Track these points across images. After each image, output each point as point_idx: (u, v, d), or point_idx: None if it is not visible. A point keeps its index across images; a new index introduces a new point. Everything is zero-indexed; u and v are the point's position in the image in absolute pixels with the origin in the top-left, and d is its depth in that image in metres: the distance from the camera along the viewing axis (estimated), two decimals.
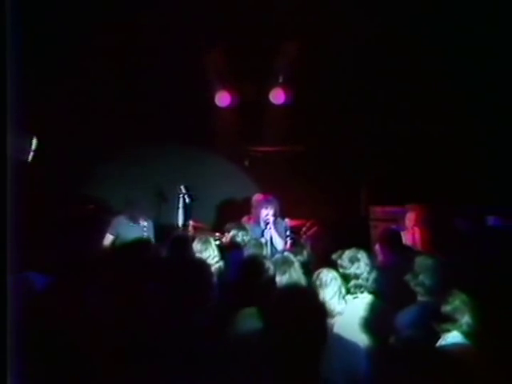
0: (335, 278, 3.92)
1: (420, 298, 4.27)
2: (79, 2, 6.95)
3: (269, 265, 4.12)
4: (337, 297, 3.86)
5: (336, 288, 3.88)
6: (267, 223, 6.71)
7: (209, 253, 5.16)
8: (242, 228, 6.07)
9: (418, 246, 6.84)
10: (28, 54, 3.68)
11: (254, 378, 2.68)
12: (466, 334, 3.48)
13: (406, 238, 6.88)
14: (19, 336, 2.53)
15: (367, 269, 4.22)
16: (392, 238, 5.89)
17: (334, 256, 4.31)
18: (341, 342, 3.54)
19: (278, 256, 4.67)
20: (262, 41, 7.80)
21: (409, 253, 5.20)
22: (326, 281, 3.89)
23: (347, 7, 7.09)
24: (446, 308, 3.53)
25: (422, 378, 3.02)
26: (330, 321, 3.74)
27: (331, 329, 3.66)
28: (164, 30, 7.56)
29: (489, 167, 7.48)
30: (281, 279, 4.11)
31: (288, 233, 6.89)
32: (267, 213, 6.73)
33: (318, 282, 3.94)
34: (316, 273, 4.06)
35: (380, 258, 5.73)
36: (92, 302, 3.52)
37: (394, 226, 6.96)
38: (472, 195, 7.33)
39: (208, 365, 3.10)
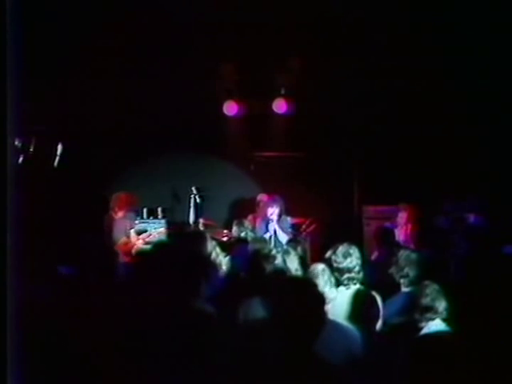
0: (323, 270, 3.88)
1: (404, 289, 4.31)
2: (79, 2, 6.57)
3: (272, 256, 4.10)
4: (328, 286, 3.83)
5: (326, 278, 3.84)
6: (272, 220, 6.77)
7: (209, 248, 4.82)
8: (241, 224, 6.14)
9: (410, 241, 6.82)
10: (28, 54, 3.42)
11: (258, 361, 2.64)
12: (447, 321, 3.51)
13: (399, 234, 6.93)
14: (19, 336, 2.41)
15: (359, 262, 4.19)
16: (384, 235, 6.05)
17: (328, 253, 4.25)
18: (336, 325, 3.54)
19: (278, 248, 4.65)
20: (267, 56, 7.71)
21: (398, 248, 5.09)
22: (316, 272, 3.84)
23: (345, 23, 7.00)
24: (426, 300, 3.57)
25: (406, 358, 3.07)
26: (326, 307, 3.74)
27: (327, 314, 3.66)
28: (178, 51, 7.43)
29: (472, 167, 7.51)
30: (279, 268, 4.09)
31: (289, 229, 6.97)
32: (273, 211, 6.80)
33: (310, 275, 3.89)
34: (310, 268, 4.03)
35: (374, 252, 5.92)
36: (95, 300, 3.31)
37: (388, 224, 6.99)
38: (454, 195, 7.28)
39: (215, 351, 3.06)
